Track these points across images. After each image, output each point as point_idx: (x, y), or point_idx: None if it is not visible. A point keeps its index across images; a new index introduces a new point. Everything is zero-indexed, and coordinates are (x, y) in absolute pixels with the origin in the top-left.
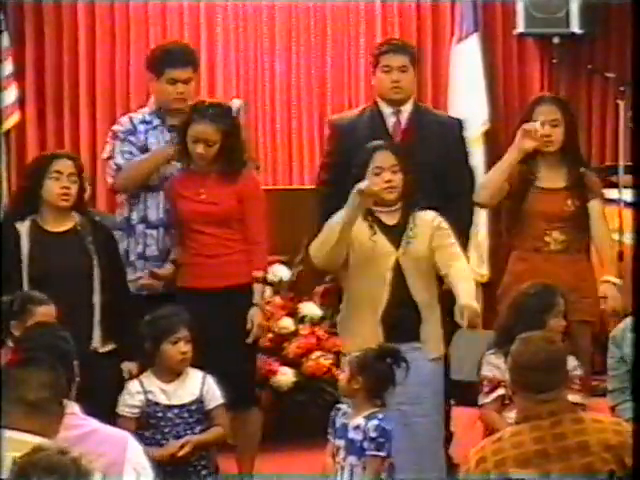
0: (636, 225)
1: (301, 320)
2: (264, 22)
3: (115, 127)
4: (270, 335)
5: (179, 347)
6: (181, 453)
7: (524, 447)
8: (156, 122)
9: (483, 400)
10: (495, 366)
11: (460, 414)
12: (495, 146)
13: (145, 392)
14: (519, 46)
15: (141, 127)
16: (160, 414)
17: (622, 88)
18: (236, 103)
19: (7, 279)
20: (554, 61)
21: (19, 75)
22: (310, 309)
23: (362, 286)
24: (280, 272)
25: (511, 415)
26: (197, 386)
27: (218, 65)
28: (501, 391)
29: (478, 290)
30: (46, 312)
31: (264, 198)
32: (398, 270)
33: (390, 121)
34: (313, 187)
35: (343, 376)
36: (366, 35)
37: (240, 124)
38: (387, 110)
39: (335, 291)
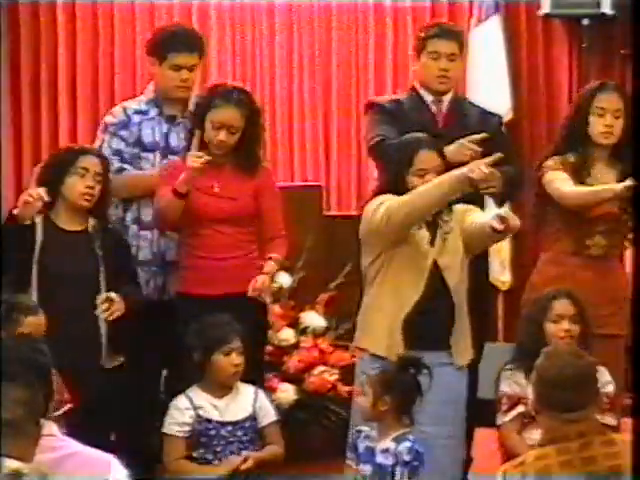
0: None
1: (303, 331)
2: (263, 19)
3: (107, 118)
4: (269, 348)
5: (232, 359)
6: (244, 467)
7: (549, 470)
8: (153, 112)
9: (502, 419)
10: (514, 382)
11: (481, 435)
12: (518, 138)
13: (195, 408)
14: (545, 28)
15: (135, 118)
16: (213, 432)
17: None
18: None
19: (18, 271)
20: (583, 45)
21: None
22: (313, 319)
23: (391, 283)
24: (280, 279)
25: (533, 436)
26: (249, 402)
27: (212, 64)
28: (521, 408)
29: (499, 298)
30: (35, 322)
31: (280, 193)
32: (435, 270)
33: (432, 109)
34: (314, 184)
35: (366, 400)
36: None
37: (262, 111)
38: (428, 97)
39: (341, 299)
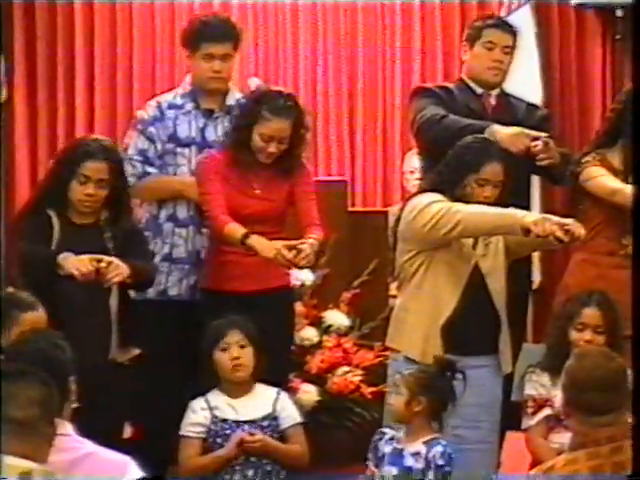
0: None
1: (326, 330)
2: (287, 16)
3: (138, 113)
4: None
5: (230, 353)
6: (249, 438)
7: (579, 476)
8: (189, 106)
9: (528, 422)
10: (540, 384)
11: (508, 439)
12: (551, 134)
13: (211, 409)
14: (577, 19)
15: (170, 113)
16: (229, 431)
17: None
18: (254, 82)
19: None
20: (617, 37)
21: (7, 47)
22: (336, 318)
23: (431, 284)
24: (302, 276)
25: (560, 439)
26: (269, 402)
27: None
28: (547, 411)
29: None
30: (34, 320)
31: (315, 189)
32: (477, 273)
33: (482, 101)
34: (339, 179)
35: (401, 399)
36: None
37: (307, 112)
38: (477, 89)
39: (365, 297)
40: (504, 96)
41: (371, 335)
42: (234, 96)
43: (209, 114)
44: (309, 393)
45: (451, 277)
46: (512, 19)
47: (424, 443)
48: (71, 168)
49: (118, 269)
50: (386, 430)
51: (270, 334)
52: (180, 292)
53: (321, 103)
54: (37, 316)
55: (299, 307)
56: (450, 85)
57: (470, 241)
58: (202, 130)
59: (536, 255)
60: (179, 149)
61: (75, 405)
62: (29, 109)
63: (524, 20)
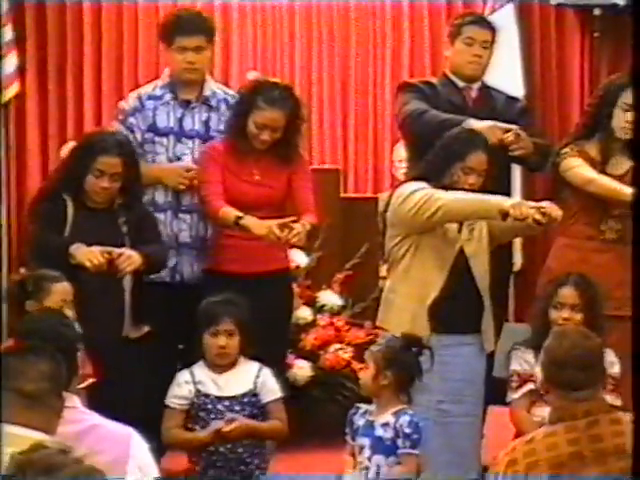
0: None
1: (319, 310)
2: (284, 13)
3: (120, 104)
4: None
5: (218, 340)
6: (227, 429)
7: (558, 449)
8: (167, 97)
9: (512, 396)
10: (524, 360)
11: (493, 413)
12: (531, 124)
13: (195, 383)
14: (557, 18)
15: (149, 103)
16: (210, 406)
17: None
18: (253, 75)
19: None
20: (595, 35)
21: (19, 42)
22: (329, 298)
23: (417, 268)
24: (297, 258)
25: (542, 413)
26: (251, 378)
27: (233, 67)
28: (530, 386)
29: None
30: (63, 290)
31: (312, 177)
32: (461, 257)
33: (464, 93)
34: (332, 167)
35: (368, 373)
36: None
37: (304, 104)
38: (459, 83)
39: (357, 279)
40: (485, 89)
41: (362, 314)
42: (211, 88)
43: (186, 104)
44: (303, 368)
45: (437, 260)
46: (495, 17)
47: (392, 414)
48: (86, 162)
49: (130, 259)
50: (361, 405)
51: (270, 314)
52: (189, 277)
53: (316, 95)
54: (65, 286)
55: (294, 288)
56: (434, 80)
57: (455, 226)
58: (180, 120)
59: (518, 240)
60: (157, 138)
61: (92, 380)
62: (40, 100)
63: (507, 18)
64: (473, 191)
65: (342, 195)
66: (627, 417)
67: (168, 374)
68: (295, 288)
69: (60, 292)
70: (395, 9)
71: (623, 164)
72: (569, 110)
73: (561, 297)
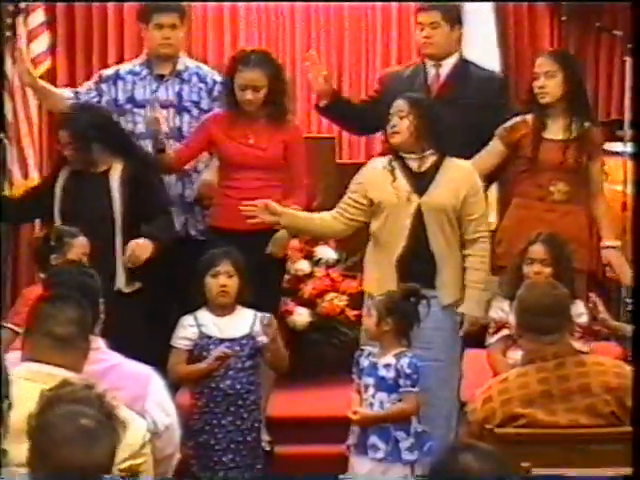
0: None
1: (317, 263)
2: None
3: (100, 72)
4: (287, 277)
5: (218, 280)
6: (230, 352)
7: (529, 388)
8: (144, 72)
9: (489, 341)
10: (500, 309)
11: (471, 355)
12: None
13: (198, 325)
14: (529, 5)
15: (128, 77)
16: (212, 347)
17: (630, 45)
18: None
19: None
20: (563, 18)
21: (51, 24)
22: (325, 252)
23: (382, 231)
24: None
25: (516, 356)
26: (248, 323)
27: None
28: (506, 331)
29: None
30: (83, 244)
31: (305, 148)
32: (419, 218)
33: (430, 74)
34: (328, 136)
35: (371, 320)
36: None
37: (284, 67)
38: (429, 64)
39: (349, 235)
40: (463, 66)
41: (354, 267)
42: (184, 63)
43: (160, 78)
44: (302, 315)
45: (396, 221)
46: (476, 4)
47: (394, 356)
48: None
49: (142, 249)
50: (366, 347)
51: (266, 266)
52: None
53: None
54: (83, 240)
55: (295, 243)
56: (409, 66)
57: (409, 186)
58: (155, 92)
59: (493, 200)
60: (136, 109)
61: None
62: (69, 74)
63: (486, 5)
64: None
65: (338, 161)
66: (591, 359)
67: (168, 323)
68: (296, 243)
69: (80, 246)
70: (384, 10)
71: (563, 130)
72: None
73: (531, 253)
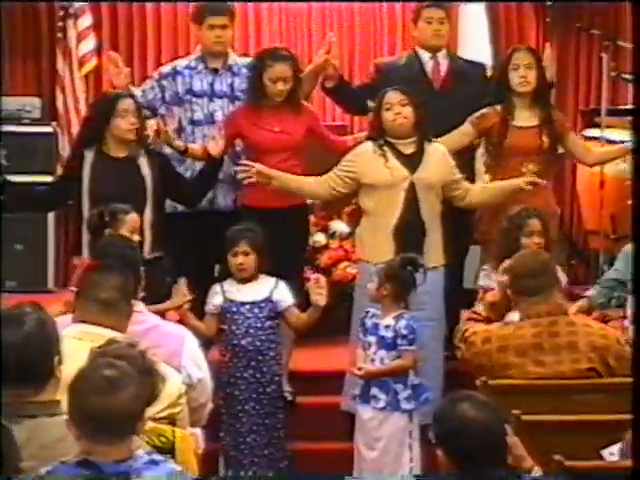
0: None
1: (332, 235)
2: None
3: (159, 69)
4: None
5: (237, 259)
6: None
7: (524, 339)
8: (200, 67)
9: (478, 305)
10: (489, 278)
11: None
12: None
13: (224, 292)
14: (518, 7)
15: (186, 72)
16: (234, 309)
17: (606, 43)
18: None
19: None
20: (547, 20)
21: (97, 27)
22: (339, 226)
23: (379, 205)
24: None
25: (514, 318)
26: (268, 288)
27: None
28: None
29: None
30: (135, 219)
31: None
32: (412, 192)
33: (428, 65)
34: (341, 124)
35: (372, 285)
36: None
37: (299, 60)
38: (425, 55)
39: (360, 211)
40: (450, 59)
41: None
42: (234, 58)
43: (215, 72)
44: None
45: (391, 195)
46: (470, 6)
47: (393, 318)
48: (109, 109)
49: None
50: (370, 309)
51: (290, 239)
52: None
53: None
54: (134, 217)
55: (312, 218)
56: (401, 57)
57: (401, 165)
58: (211, 84)
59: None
60: (194, 99)
61: None
62: None
63: (479, 7)
64: None
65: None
66: (580, 321)
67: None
68: (312, 218)
69: (130, 221)
70: (389, 10)
71: (533, 117)
72: None
73: (530, 226)
